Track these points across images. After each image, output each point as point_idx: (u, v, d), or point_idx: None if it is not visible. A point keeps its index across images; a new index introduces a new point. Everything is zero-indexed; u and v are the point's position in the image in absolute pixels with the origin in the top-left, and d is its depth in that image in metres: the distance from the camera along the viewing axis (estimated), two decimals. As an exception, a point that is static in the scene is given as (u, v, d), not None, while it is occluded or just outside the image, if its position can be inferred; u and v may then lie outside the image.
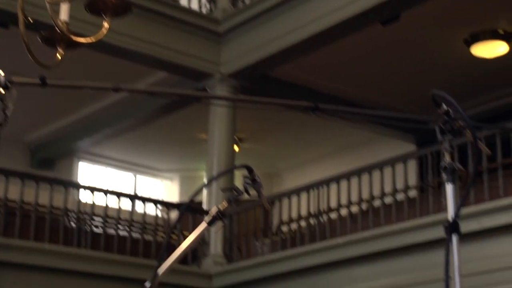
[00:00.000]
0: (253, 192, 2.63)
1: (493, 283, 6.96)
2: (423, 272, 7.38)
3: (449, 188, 2.24)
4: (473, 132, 2.22)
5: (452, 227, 2.15)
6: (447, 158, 2.25)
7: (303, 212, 9.19)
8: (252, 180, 2.59)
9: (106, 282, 8.66)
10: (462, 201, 2.21)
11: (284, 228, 9.47)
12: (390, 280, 7.80)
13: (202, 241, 9.64)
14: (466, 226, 6.55)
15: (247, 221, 9.72)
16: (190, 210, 9.40)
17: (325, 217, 8.95)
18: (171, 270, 2.50)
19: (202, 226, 2.59)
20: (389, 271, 7.85)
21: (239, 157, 11.10)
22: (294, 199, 9.32)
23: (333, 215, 8.91)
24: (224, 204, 2.59)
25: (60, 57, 2.89)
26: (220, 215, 2.58)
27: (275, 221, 9.79)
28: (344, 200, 8.79)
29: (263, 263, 9.07)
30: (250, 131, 12.22)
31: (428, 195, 8.04)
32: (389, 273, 7.83)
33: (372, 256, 7.98)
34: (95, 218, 9.26)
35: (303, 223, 9.19)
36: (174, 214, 10.05)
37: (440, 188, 7.76)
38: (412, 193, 8.58)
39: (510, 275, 6.84)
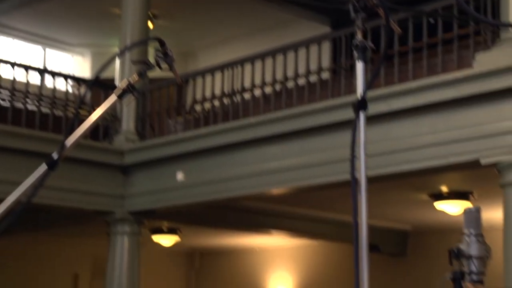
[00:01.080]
0: (165, 66, 2.58)
1: (398, 163, 7.22)
2: (333, 152, 7.57)
3: (359, 66, 2.24)
4: (385, 10, 2.22)
5: (360, 104, 2.17)
6: (359, 36, 2.25)
7: (217, 91, 9.18)
8: (164, 53, 2.53)
9: (13, 156, 8.51)
10: (372, 78, 2.23)
11: (198, 107, 9.47)
12: (301, 159, 7.98)
13: (114, 117, 9.57)
14: (375, 108, 6.71)
15: (160, 99, 9.66)
16: (101, 86, 9.23)
17: (238, 97, 8.98)
18: (83, 146, 2.47)
19: (112, 99, 2.54)
20: (300, 150, 8.01)
21: (153, 34, 10.87)
22: (208, 78, 9.28)
23: (247, 95, 8.94)
24: (134, 77, 2.53)
25: None
26: (130, 88, 2.53)
27: (189, 99, 9.76)
28: (258, 81, 8.81)
29: (176, 141, 9.10)
30: (165, 8, 11.93)
31: (340, 77, 8.14)
32: (300, 153, 8.00)
33: (284, 136, 8.10)
34: (2, 91, 8.99)
35: (216, 103, 9.20)
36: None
37: (353, 70, 7.86)
38: (325, 75, 8.67)
39: (414, 155, 7.10)
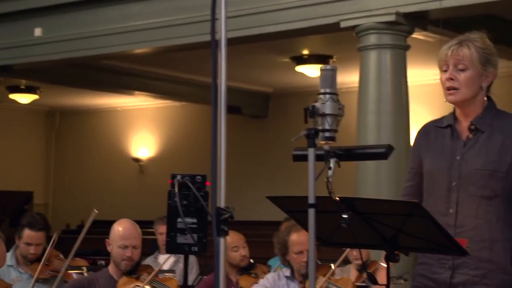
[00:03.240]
0: None
1: (260, 25, 7.23)
2: (196, 12, 7.48)
3: None
4: None
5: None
6: None
7: None
8: None
9: None
10: None
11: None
12: (164, 19, 7.84)
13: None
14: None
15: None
16: None
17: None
18: None
19: None
20: (164, 9, 7.87)
21: None
22: None
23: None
24: None
25: None
26: None
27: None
28: None
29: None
30: None
31: None
32: (164, 12, 7.86)
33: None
34: None
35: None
36: None
37: None
38: None
39: (276, 17, 7.11)
